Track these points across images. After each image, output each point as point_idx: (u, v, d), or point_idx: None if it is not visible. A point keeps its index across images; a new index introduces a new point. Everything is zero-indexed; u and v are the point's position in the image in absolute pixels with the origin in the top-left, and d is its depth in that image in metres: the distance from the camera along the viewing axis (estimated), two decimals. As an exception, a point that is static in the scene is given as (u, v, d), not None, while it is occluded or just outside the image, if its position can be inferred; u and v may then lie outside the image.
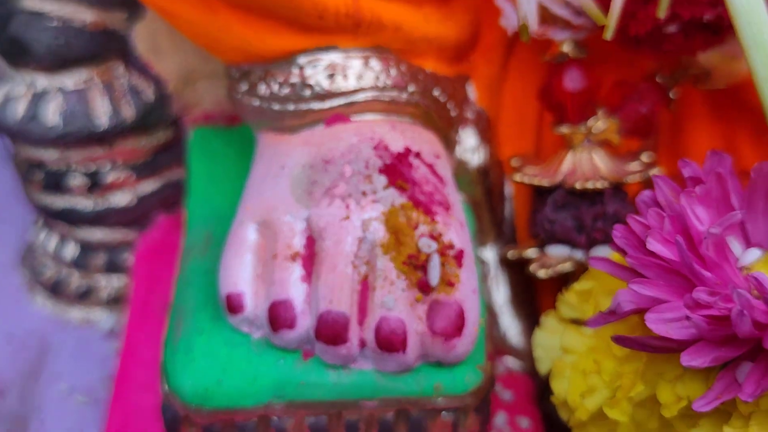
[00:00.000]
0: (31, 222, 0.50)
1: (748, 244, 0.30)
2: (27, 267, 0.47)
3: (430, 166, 0.33)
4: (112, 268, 0.45)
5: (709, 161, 0.31)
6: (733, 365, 0.26)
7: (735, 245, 0.30)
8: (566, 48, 0.35)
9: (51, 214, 0.44)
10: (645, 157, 0.36)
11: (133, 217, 0.44)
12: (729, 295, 0.25)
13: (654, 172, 0.36)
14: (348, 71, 0.33)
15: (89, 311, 0.45)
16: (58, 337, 0.45)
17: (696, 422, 0.27)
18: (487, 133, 0.38)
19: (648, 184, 0.33)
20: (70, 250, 0.45)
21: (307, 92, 0.33)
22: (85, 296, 0.45)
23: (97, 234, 0.44)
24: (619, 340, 0.28)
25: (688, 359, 0.25)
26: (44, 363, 0.44)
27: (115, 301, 0.45)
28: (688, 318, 0.25)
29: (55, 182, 0.42)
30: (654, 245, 0.27)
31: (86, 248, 0.45)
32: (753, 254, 0.29)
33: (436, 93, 0.35)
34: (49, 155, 0.41)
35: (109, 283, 0.45)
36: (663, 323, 0.26)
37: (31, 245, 0.47)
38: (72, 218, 0.43)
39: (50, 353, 0.45)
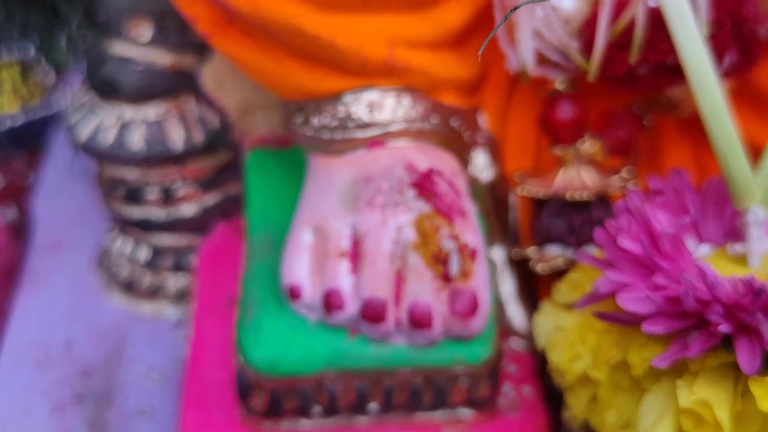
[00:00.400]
0: (105, 229, 0.58)
1: (701, 241, 0.38)
2: (104, 268, 0.56)
3: (450, 182, 0.41)
4: (179, 268, 0.53)
5: (670, 177, 0.39)
6: (684, 333, 0.34)
7: (690, 242, 0.38)
8: (559, 85, 0.43)
9: (129, 223, 0.52)
10: (625, 173, 0.44)
11: (198, 224, 0.52)
12: (680, 279, 0.33)
13: (631, 184, 0.44)
14: (384, 107, 0.41)
15: (159, 305, 0.54)
16: (134, 328, 0.54)
17: (658, 379, 0.35)
18: (495, 153, 0.46)
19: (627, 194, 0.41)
20: (144, 253, 0.53)
21: (351, 124, 0.41)
22: (155, 293, 0.54)
23: (167, 239, 0.52)
24: (598, 315, 0.36)
25: (648, 327, 0.33)
26: (123, 349, 0.52)
27: (181, 297, 0.54)
28: (648, 297, 0.33)
29: (135, 196, 0.50)
30: (623, 242, 0.35)
31: (157, 251, 0.53)
32: (703, 249, 0.37)
33: (453, 123, 0.43)
34: (132, 174, 0.49)
35: (176, 281, 0.53)
36: (630, 302, 0.34)
37: (107, 250, 0.56)
38: (147, 226, 0.52)
39: (128, 341, 0.53)
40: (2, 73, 0.72)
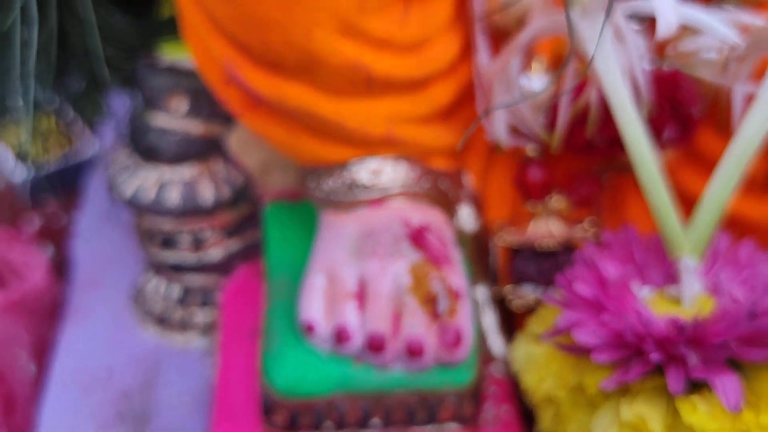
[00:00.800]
0: (139, 270, 0.66)
1: (644, 284, 0.46)
2: (139, 304, 0.64)
3: (439, 235, 0.49)
4: (206, 304, 0.61)
5: (620, 231, 0.47)
6: (626, 361, 0.42)
7: (635, 286, 0.46)
8: (530, 152, 0.52)
9: (163, 266, 0.60)
10: (586, 224, 0.52)
11: (223, 267, 0.60)
12: (622, 318, 0.41)
13: (592, 234, 0.52)
14: (383, 173, 0.49)
15: (189, 337, 0.62)
16: (167, 356, 0.62)
17: (607, 398, 0.43)
18: (477, 207, 0.55)
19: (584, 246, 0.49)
20: (176, 292, 0.61)
21: (357, 187, 0.49)
22: (185, 326, 0.62)
23: (196, 279, 0.61)
24: (559, 346, 0.44)
25: (597, 357, 0.41)
26: (158, 375, 0.60)
27: (208, 329, 0.62)
28: (597, 332, 0.42)
29: (170, 243, 0.58)
30: (578, 287, 0.43)
31: (187, 290, 0.61)
32: (646, 291, 0.45)
33: (441, 184, 0.51)
34: (168, 225, 0.57)
35: (204, 316, 0.61)
36: (583, 336, 0.42)
37: (142, 288, 0.64)
38: (179, 268, 0.60)
39: (161, 368, 0.61)
40: (40, 121, 0.80)
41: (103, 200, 0.71)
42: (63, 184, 0.80)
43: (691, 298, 0.44)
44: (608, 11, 0.39)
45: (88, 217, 0.72)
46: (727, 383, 0.40)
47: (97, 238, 0.70)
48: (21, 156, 0.82)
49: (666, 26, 0.39)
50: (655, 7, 0.39)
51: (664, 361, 0.41)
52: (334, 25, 0.42)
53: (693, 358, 0.40)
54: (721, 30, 0.42)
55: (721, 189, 0.43)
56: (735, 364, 0.42)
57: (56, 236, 0.76)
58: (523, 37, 0.45)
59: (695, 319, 0.40)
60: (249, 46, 0.43)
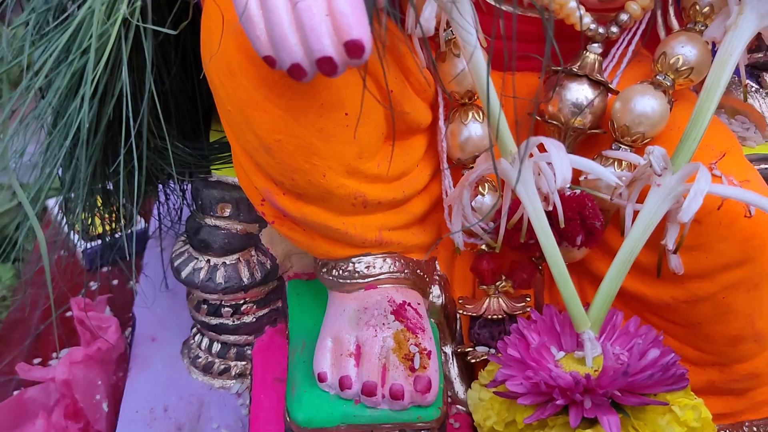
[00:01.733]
0: (188, 329, 0.84)
1: (560, 348, 0.64)
2: (186, 356, 0.82)
3: (416, 309, 0.68)
4: (240, 357, 0.80)
5: (545, 309, 0.65)
6: (543, 404, 0.60)
7: (554, 349, 0.64)
8: (482, 247, 0.70)
9: (207, 328, 0.79)
10: (525, 301, 0.71)
11: (254, 328, 0.78)
12: (539, 374, 0.59)
13: (528, 308, 0.70)
14: (375, 265, 0.68)
15: (227, 382, 0.80)
16: (210, 397, 0.80)
17: (532, 429, 0.61)
18: (445, 287, 0.73)
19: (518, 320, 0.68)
20: (216, 347, 0.80)
21: (356, 275, 0.68)
22: (223, 373, 0.80)
23: (232, 338, 0.79)
24: (497, 393, 0.62)
25: (522, 401, 0.59)
26: (202, 411, 0.78)
27: (241, 376, 0.80)
28: (522, 383, 0.60)
29: (214, 311, 0.77)
30: (510, 350, 0.61)
31: (225, 345, 0.80)
32: (561, 354, 0.63)
33: (418, 271, 0.70)
34: (214, 298, 0.76)
35: (239, 366, 0.80)
36: (513, 386, 0.60)
37: (189, 343, 0.82)
38: (220, 330, 0.78)
39: (206, 406, 0.79)
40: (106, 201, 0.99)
41: (158, 272, 0.90)
42: (122, 255, 0.99)
43: (591, 360, 0.62)
44: (522, 160, 0.58)
45: (147, 285, 0.91)
46: (611, 420, 0.59)
47: (154, 303, 0.89)
48: (86, 231, 1.01)
49: (562, 179, 0.58)
50: (554, 162, 0.58)
51: (568, 404, 0.59)
52: (341, 169, 0.61)
53: (587, 402, 0.59)
54: (605, 174, 0.61)
55: (612, 280, 0.62)
56: (619, 407, 0.60)
57: (121, 300, 0.94)
58: (472, 176, 0.63)
59: (588, 376, 0.58)
60: (281, 182, 0.61)
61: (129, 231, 0.98)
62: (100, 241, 0.98)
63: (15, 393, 0.83)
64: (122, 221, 1.00)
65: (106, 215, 0.99)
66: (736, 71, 0.63)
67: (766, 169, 0.75)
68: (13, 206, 1.26)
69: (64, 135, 0.63)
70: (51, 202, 1.12)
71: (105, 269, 1.01)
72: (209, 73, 0.57)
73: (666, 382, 0.60)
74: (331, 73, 0.50)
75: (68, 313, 0.89)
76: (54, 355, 0.91)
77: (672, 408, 0.61)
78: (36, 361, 0.91)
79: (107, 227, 0.98)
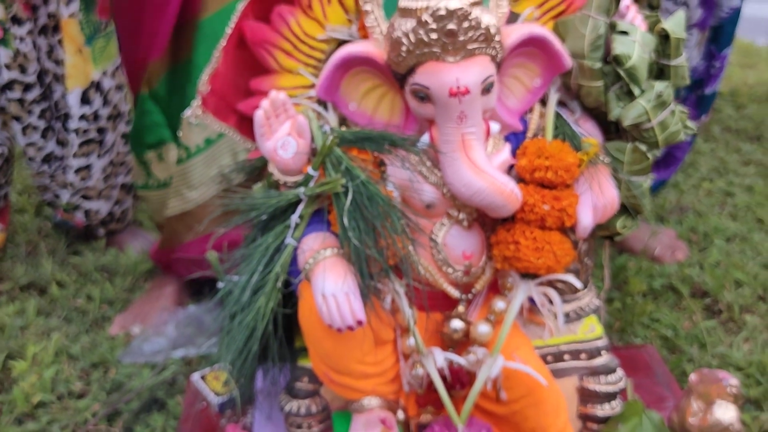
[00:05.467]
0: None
1: (452, 435, 1.47)
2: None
3: (391, 423, 1.52)
4: None
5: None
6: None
7: (449, 435, 1.47)
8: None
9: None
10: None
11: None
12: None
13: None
14: (371, 402, 1.52)
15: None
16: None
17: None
18: (405, 411, 1.57)
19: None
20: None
21: (354, 402, 1.52)
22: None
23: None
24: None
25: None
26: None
27: None
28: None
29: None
30: (428, 436, 1.45)
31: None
32: (451, 437, 1.46)
33: (400, 408, 1.54)
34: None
35: None
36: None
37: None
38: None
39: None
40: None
41: (266, 409, 1.73)
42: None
43: (463, 438, 1.45)
44: (427, 355, 1.45)
45: (258, 417, 1.75)
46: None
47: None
48: (216, 391, 1.87)
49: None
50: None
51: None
52: (358, 360, 1.46)
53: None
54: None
55: (468, 403, 1.46)
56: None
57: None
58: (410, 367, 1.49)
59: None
60: (328, 367, 1.46)
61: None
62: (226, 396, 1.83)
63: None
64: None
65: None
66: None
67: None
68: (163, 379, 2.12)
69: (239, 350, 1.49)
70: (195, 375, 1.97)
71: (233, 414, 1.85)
72: (304, 327, 1.44)
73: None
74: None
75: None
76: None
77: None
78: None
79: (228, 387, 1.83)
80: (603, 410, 1.53)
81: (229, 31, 1.45)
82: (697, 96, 2.59)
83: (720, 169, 3.19)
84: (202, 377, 1.91)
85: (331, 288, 1.24)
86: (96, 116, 2.48)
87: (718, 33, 2.50)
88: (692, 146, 3.00)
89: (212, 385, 1.87)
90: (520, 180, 1.41)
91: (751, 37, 4.93)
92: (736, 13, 2.47)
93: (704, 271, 2.41)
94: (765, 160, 3.22)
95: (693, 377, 1.52)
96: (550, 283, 1.48)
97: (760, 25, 4.97)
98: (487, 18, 1.26)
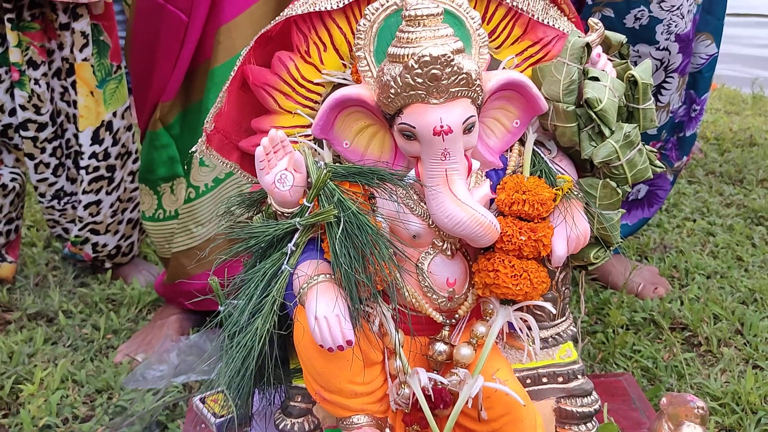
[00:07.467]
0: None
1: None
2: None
3: (378, 438, 1.62)
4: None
5: (430, 435, 1.59)
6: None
7: (433, 451, 1.56)
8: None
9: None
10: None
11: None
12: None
13: (428, 438, 1.63)
14: (361, 420, 1.62)
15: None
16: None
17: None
18: (391, 429, 1.67)
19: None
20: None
21: (347, 421, 1.62)
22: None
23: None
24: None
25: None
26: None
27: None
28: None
29: None
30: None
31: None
32: (435, 453, 1.56)
33: (379, 422, 1.64)
34: None
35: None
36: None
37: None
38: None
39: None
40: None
41: (262, 428, 1.83)
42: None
43: (446, 454, 1.55)
44: (412, 375, 1.56)
45: (255, 435, 1.85)
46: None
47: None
48: (215, 413, 1.96)
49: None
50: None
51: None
52: (348, 379, 1.56)
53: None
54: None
55: (450, 421, 1.56)
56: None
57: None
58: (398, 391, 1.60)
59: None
60: (320, 386, 1.56)
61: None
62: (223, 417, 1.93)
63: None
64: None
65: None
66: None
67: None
68: (160, 405, 2.21)
69: (237, 369, 1.60)
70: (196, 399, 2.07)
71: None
72: (298, 348, 1.55)
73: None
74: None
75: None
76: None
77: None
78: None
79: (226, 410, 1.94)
80: (579, 431, 1.63)
81: (233, 74, 1.59)
82: (678, 138, 2.73)
83: (703, 209, 3.31)
84: (202, 400, 2.01)
85: (323, 310, 1.35)
86: (106, 154, 2.62)
87: (697, 79, 2.64)
88: (674, 186, 3.13)
89: (212, 408, 1.97)
90: (499, 213, 1.53)
91: (737, 85, 5.11)
92: (713, 59, 2.61)
93: (684, 306, 2.52)
94: (746, 202, 3.35)
95: (664, 400, 1.62)
96: (528, 310, 1.59)
97: (746, 79, 5.22)
98: (469, 64, 1.39)
